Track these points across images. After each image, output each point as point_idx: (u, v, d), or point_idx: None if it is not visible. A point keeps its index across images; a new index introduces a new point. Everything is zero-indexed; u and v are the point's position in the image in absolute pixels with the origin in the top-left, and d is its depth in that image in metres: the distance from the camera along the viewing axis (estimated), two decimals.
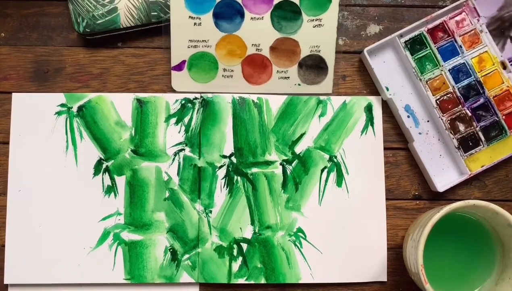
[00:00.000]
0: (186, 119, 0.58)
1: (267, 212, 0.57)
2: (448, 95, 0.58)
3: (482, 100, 0.58)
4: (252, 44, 0.58)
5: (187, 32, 0.58)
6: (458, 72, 0.58)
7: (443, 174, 0.58)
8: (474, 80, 0.58)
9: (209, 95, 0.58)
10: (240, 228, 0.57)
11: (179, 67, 0.58)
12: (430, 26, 0.58)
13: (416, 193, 0.59)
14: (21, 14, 0.59)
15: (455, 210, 0.50)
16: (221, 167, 0.58)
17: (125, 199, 0.57)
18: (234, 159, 0.58)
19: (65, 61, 0.59)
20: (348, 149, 0.58)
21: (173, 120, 0.58)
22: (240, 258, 0.57)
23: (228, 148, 0.58)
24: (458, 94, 0.58)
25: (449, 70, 0.58)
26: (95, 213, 0.57)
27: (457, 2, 0.59)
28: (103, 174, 0.57)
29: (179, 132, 0.58)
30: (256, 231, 0.57)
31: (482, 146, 0.58)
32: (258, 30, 0.58)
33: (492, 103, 0.58)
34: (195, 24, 0.57)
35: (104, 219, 0.57)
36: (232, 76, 0.59)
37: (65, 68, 0.59)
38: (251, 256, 0.57)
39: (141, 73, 0.59)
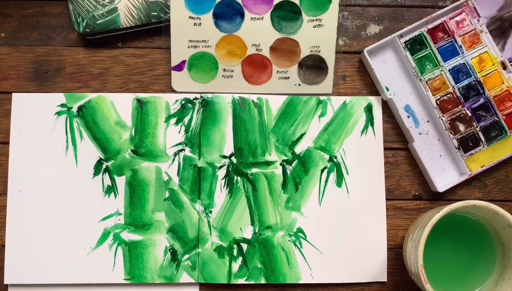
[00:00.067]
0: (186, 120, 0.58)
1: (267, 212, 0.57)
2: (448, 95, 0.58)
3: (482, 100, 0.58)
4: (252, 44, 0.58)
5: (187, 32, 0.58)
6: (458, 73, 0.58)
7: (443, 174, 0.58)
8: (474, 81, 0.58)
9: (209, 95, 0.58)
10: (240, 228, 0.57)
11: (179, 67, 0.58)
12: (430, 26, 0.58)
13: (416, 193, 0.59)
14: (21, 14, 0.59)
15: (455, 210, 0.50)
16: (221, 167, 0.58)
17: (125, 199, 0.57)
18: (234, 159, 0.58)
19: (65, 61, 0.59)
20: (348, 149, 0.58)
21: (173, 120, 0.58)
22: (240, 258, 0.57)
23: (228, 148, 0.58)
24: (458, 94, 0.58)
25: (449, 70, 0.58)
26: (95, 213, 0.57)
27: (457, 2, 0.59)
28: (103, 174, 0.57)
29: (179, 132, 0.58)
30: (256, 231, 0.57)
31: (482, 146, 0.58)
32: (258, 30, 0.58)
33: (492, 104, 0.58)
34: (195, 24, 0.57)
35: (104, 219, 0.57)
36: (232, 76, 0.59)
37: (65, 68, 0.59)
38: (251, 256, 0.57)
39: (141, 73, 0.59)
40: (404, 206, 0.59)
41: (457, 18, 0.59)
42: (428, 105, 0.59)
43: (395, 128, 0.59)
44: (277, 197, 0.58)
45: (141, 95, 0.58)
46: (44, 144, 0.57)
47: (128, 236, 0.57)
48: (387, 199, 0.58)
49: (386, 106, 0.59)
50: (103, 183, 0.57)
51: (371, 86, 0.60)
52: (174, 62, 0.58)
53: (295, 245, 0.57)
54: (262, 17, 0.58)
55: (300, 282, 0.57)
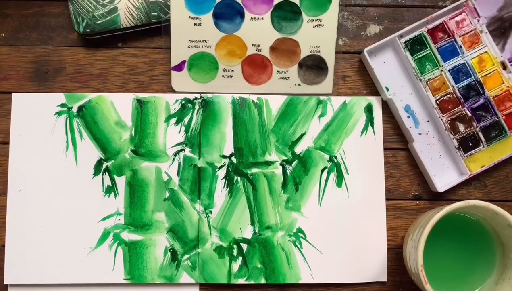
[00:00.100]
0: (186, 120, 0.58)
1: (267, 212, 0.57)
2: (448, 95, 0.58)
3: (482, 100, 0.58)
4: (252, 45, 0.58)
5: (187, 32, 0.58)
6: (458, 73, 0.58)
7: (443, 174, 0.58)
8: (474, 81, 0.58)
9: (209, 95, 0.58)
10: (240, 228, 0.57)
11: (179, 68, 0.58)
12: (430, 26, 0.58)
13: (416, 193, 0.59)
14: (21, 14, 0.59)
15: (455, 210, 0.50)
16: (221, 167, 0.58)
17: (125, 199, 0.57)
18: (234, 159, 0.58)
19: (65, 61, 0.59)
20: (348, 149, 0.58)
21: (173, 120, 0.58)
22: (240, 258, 0.57)
23: (228, 148, 0.58)
24: (458, 94, 0.58)
25: (449, 70, 0.58)
26: (95, 213, 0.57)
27: (457, 3, 0.59)
28: (103, 174, 0.57)
29: (179, 132, 0.58)
30: (256, 231, 0.57)
31: (482, 146, 0.58)
32: (258, 30, 0.58)
33: (492, 104, 0.58)
34: (195, 24, 0.57)
35: (104, 219, 0.57)
36: (232, 76, 0.59)
37: (65, 68, 0.59)
38: (251, 256, 0.57)
39: (141, 73, 0.59)
40: (404, 206, 0.59)
41: (457, 18, 0.59)
42: (428, 105, 0.59)
43: (395, 128, 0.59)
44: (277, 197, 0.58)
45: (141, 95, 0.58)
46: (44, 144, 0.57)
47: (128, 236, 0.57)
48: (387, 199, 0.58)
49: (386, 106, 0.59)
50: (103, 183, 0.57)
51: (371, 86, 0.60)
52: (174, 62, 0.58)
53: (295, 245, 0.57)
54: (262, 17, 0.58)
55: (300, 282, 0.57)
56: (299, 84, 0.59)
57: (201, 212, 0.57)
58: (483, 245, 0.54)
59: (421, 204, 0.59)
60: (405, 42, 0.58)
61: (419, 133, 0.59)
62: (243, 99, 0.59)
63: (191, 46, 0.58)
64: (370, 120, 0.59)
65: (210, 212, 0.57)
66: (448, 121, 0.58)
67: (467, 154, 0.58)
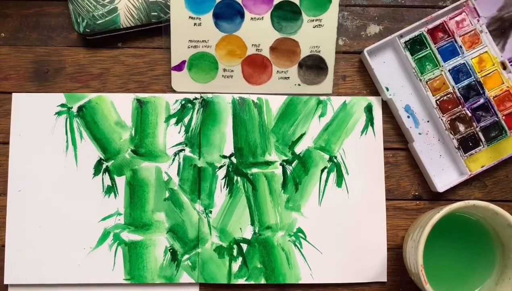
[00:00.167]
0: (186, 120, 0.58)
1: (267, 212, 0.57)
2: (448, 95, 0.58)
3: (482, 100, 0.58)
4: (252, 45, 0.58)
5: (187, 32, 0.58)
6: (458, 73, 0.58)
7: (443, 174, 0.58)
8: (474, 81, 0.58)
9: (209, 95, 0.58)
10: (240, 228, 0.57)
11: (179, 68, 0.58)
12: (430, 26, 0.58)
13: (416, 193, 0.59)
14: (21, 14, 0.59)
15: (455, 210, 0.50)
16: (221, 167, 0.58)
17: (125, 199, 0.57)
18: (234, 159, 0.58)
19: (65, 61, 0.59)
20: (348, 149, 0.58)
21: (173, 120, 0.58)
22: (240, 258, 0.57)
23: (228, 148, 0.58)
24: (458, 94, 0.58)
25: (449, 70, 0.58)
26: (95, 213, 0.57)
27: (457, 3, 0.59)
28: (103, 174, 0.57)
29: (179, 132, 0.58)
30: (256, 231, 0.57)
31: (482, 146, 0.58)
32: (258, 30, 0.58)
33: (492, 104, 0.58)
34: (195, 24, 0.57)
35: (104, 219, 0.57)
36: (232, 76, 0.59)
37: (65, 68, 0.59)
38: (251, 256, 0.57)
39: (141, 73, 0.59)
40: (404, 206, 0.59)
41: (457, 18, 0.59)
42: (428, 106, 0.59)
43: (395, 128, 0.59)
44: (277, 197, 0.58)
45: (141, 95, 0.58)
46: (44, 144, 0.57)
47: (128, 236, 0.57)
48: (387, 199, 0.58)
49: (386, 106, 0.59)
50: (103, 183, 0.57)
51: (371, 86, 0.60)
52: (174, 62, 0.58)
53: (295, 245, 0.57)
54: (262, 17, 0.58)
55: (300, 282, 0.57)
56: (299, 84, 0.59)
57: (201, 212, 0.57)
58: (483, 245, 0.54)
59: (421, 204, 0.59)
60: (405, 42, 0.58)
61: (419, 133, 0.59)
62: (243, 99, 0.59)
63: (191, 46, 0.58)
64: (370, 120, 0.59)
65: (210, 212, 0.57)
66: (448, 121, 0.58)
67: (467, 154, 0.58)
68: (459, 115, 0.58)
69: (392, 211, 0.58)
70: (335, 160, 0.58)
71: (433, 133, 0.59)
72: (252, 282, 0.56)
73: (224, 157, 0.58)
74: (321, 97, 0.59)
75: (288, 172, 0.58)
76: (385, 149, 0.59)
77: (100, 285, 0.56)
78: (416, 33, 0.58)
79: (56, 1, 0.59)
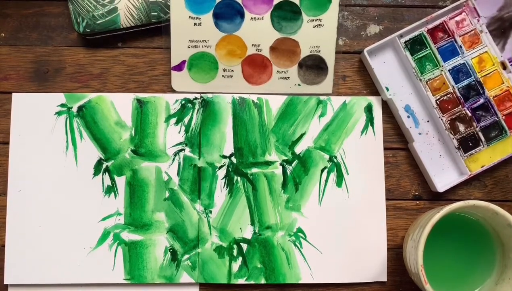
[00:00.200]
0: (186, 120, 0.58)
1: (267, 212, 0.57)
2: (448, 95, 0.58)
3: (482, 100, 0.58)
4: (252, 44, 0.58)
5: (187, 32, 0.58)
6: (458, 73, 0.58)
7: (443, 174, 0.58)
8: (474, 81, 0.58)
9: (209, 95, 0.58)
10: (240, 228, 0.57)
11: (179, 67, 0.58)
12: (430, 26, 0.58)
13: (416, 193, 0.59)
14: (21, 14, 0.59)
15: (455, 210, 0.50)
16: (221, 167, 0.58)
17: (125, 199, 0.57)
18: (234, 159, 0.58)
19: (65, 61, 0.59)
20: (348, 149, 0.58)
21: (173, 120, 0.58)
22: (240, 258, 0.57)
23: (228, 148, 0.58)
24: (458, 94, 0.58)
25: (449, 70, 0.58)
26: (95, 213, 0.57)
27: (457, 2, 0.59)
28: (103, 174, 0.57)
29: (179, 132, 0.58)
30: (256, 231, 0.57)
31: (482, 146, 0.58)
32: (258, 30, 0.58)
33: (492, 104, 0.58)
34: (195, 24, 0.57)
35: (104, 219, 0.57)
36: (232, 76, 0.59)
37: (65, 68, 0.59)
38: (251, 256, 0.57)
39: (141, 73, 0.59)
40: (404, 206, 0.59)
41: (457, 18, 0.59)
42: (428, 105, 0.59)
43: (395, 128, 0.59)
44: (277, 197, 0.58)
45: (141, 95, 0.58)
46: (44, 144, 0.57)
47: (128, 236, 0.57)
48: (387, 199, 0.58)
49: (386, 106, 0.59)
50: (103, 183, 0.57)
51: (371, 86, 0.60)
52: (174, 62, 0.58)
53: (295, 245, 0.57)
54: (262, 17, 0.58)
55: (300, 282, 0.57)
56: (299, 84, 0.59)
57: (201, 212, 0.57)
58: (483, 245, 0.54)
59: (421, 204, 0.59)
60: (405, 42, 0.58)
61: (419, 133, 0.59)
62: (243, 99, 0.59)
63: (191, 46, 0.58)
64: (370, 120, 0.59)
65: (210, 212, 0.57)
66: (448, 121, 0.58)
67: (467, 154, 0.58)
68: (459, 115, 0.58)
69: (392, 211, 0.58)
70: (335, 160, 0.58)
71: (433, 133, 0.59)
72: (252, 282, 0.56)
73: (224, 156, 0.58)
74: (321, 97, 0.59)
75: (288, 172, 0.58)
76: (385, 148, 0.59)
77: (100, 285, 0.56)
78: (416, 33, 0.58)
79: (56, 1, 0.59)
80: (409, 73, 0.59)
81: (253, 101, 0.59)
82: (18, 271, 0.56)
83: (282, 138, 0.58)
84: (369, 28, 0.60)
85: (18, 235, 0.56)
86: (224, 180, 0.58)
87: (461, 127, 0.58)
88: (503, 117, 0.58)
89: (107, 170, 0.57)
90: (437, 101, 0.58)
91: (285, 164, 0.58)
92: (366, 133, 0.59)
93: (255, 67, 0.58)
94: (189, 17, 0.57)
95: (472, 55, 0.58)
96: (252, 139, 0.58)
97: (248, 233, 0.57)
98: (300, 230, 0.57)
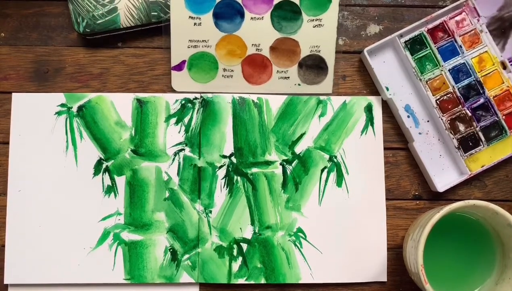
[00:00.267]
0: (186, 119, 0.58)
1: (267, 212, 0.57)
2: (448, 95, 0.58)
3: (482, 100, 0.58)
4: (252, 44, 0.58)
5: (187, 32, 0.58)
6: (458, 72, 0.58)
7: (443, 174, 0.58)
8: (474, 80, 0.58)
9: (209, 95, 0.58)
10: (240, 228, 0.57)
11: (179, 67, 0.58)
12: (430, 26, 0.58)
13: (416, 193, 0.59)
14: (21, 14, 0.59)
15: (455, 210, 0.50)
16: (221, 167, 0.58)
17: (125, 199, 0.57)
18: (234, 159, 0.58)
19: (65, 61, 0.59)
20: (348, 149, 0.58)
21: (173, 120, 0.58)
22: (240, 258, 0.57)
23: (228, 148, 0.58)
24: (458, 94, 0.58)
25: (449, 70, 0.58)
26: (95, 213, 0.57)
27: (457, 2, 0.59)
28: (103, 174, 0.57)
29: (179, 132, 0.58)
30: (256, 231, 0.57)
31: (482, 146, 0.58)
32: (258, 30, 0.58)
33: (492, 103, 0.58)
34: (195, 24, 0.57)
35: (104, 219, 0.57)
36: (232, 76, 0.59)
37: (65, 68, 0.59)
38: (251, 256, 0.57)
39: (141, 73, 0.59)
40: (404, 206, 0.59)
41: (457, 18, 0.59)
42: (428, 105, 0.59)
43: (395, 128, 0.59)
44: (277, 197, 0.58)
45: (141, 95, 0.58)
46: (44, 144, 0.57)
47: (128, 236, 0.57)
48: (387, 199, 0.58)
49: (386, 106, 0.59)
50: (103, 183, 0.57)
51: (371, 86, 0.60)
52: (174, 62, 0.58)
53: (295, 245, 0.57)
54: (262, 17, 0.58)
55: (300, 282, 0.57)
56: (299, 84, 0.59)
57: (201, 212, 0.57)
58: (483, 245, 0.54)
59: (421, 204, 0.59)
60: (405, 42, 0.58)
61: (419, 133, 0.59)
62: (243, 99, 0.59)
63: (191, 46, 0.58)
64: (370, 120, 0.59)
65: (210, 211, 0.57)
66: (448, 121, 0.58)
67: (467, 154, 0.58)
68: (459, 115, 0.58)
69: (392, 210, 0.58)
70: (335, 160, 0.58)
71: (433, 133, 0.59)
72: (252, 282, 0.56)
73: (224, 156, 0.58)
74: (321, 97, 0.59)
75: (288, 172, 0.58)
76: (385, 148, 0.59)
77: (100, 285, 0.56)
78: (416, 33, 0.58)
79: (56, 1, 0.59)
80: (409, 73, 0.59)
81: (253, 101, 0.59)
82: (18, 271, 0.56)
83: (282, 138, 0.58)
84: (369, 28, 0.60)
85: (18, 235, 0.56)
86: (224, 179, 0.58)
87: (461, 127, 0.58)
88: (503, 117, 0.58)
89: (107, 169, 0.57)
90: (437, 101, 0.58)
91: (285, 163, 0.58)
92: (366, 133, 0.59)
93: (255, 67, 0.58)
94: (189, 17, 0.57)
95: (472, 55, 0.58)
96: (252, 139, 0.58)
97: (248, 233, 0.57)
98: (300, 230, 0.57)
